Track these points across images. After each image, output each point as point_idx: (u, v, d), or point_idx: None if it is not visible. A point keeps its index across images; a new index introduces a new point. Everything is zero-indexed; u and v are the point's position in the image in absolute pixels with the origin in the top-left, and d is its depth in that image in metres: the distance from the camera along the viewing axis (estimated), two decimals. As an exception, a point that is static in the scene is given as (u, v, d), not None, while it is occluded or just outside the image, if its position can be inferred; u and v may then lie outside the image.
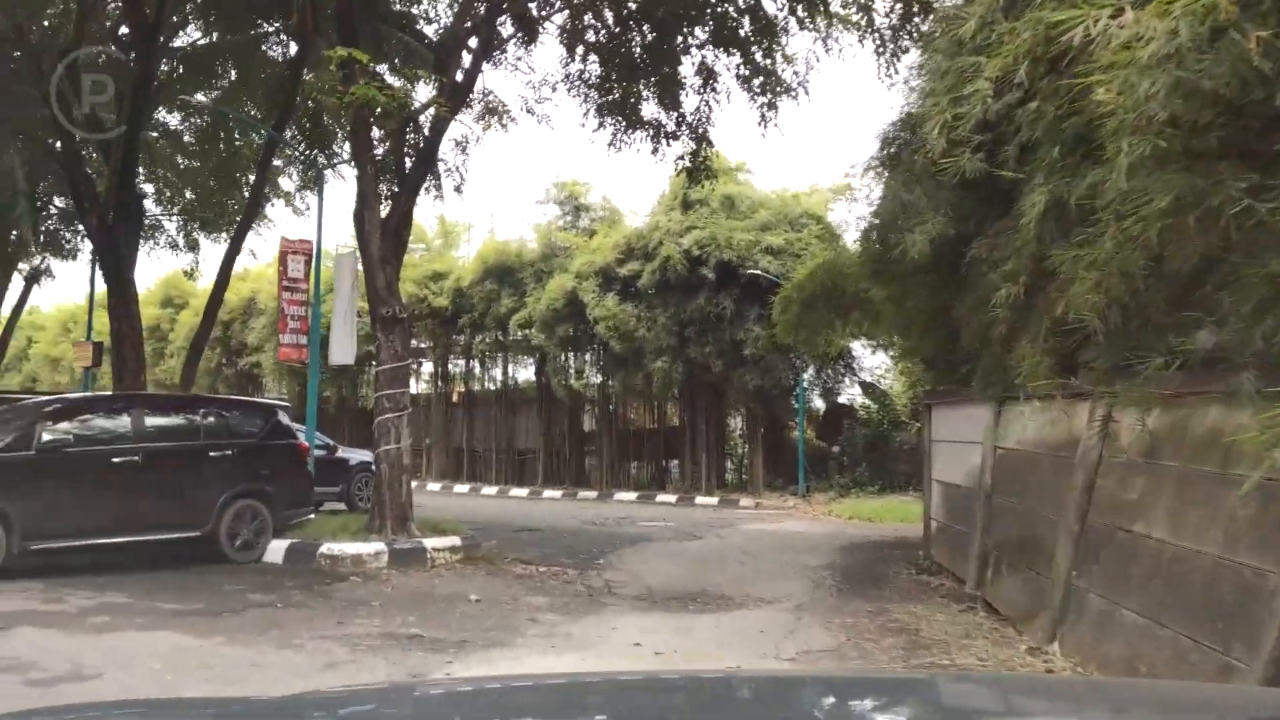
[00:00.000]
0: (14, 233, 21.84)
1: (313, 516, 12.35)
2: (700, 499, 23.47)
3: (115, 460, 10.43)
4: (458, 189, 17.37)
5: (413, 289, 26.60)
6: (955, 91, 7.12)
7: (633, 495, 24.76)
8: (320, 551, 11.10)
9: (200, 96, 19.55)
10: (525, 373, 29.70)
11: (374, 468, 12.62)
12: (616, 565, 12.31)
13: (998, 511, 9.13)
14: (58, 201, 23.77)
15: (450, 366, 30.95)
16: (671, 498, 23.99)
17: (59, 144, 16.01)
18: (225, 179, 20.70)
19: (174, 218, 23.73)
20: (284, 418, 12.21)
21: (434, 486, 27.75)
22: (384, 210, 12.79)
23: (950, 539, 11.16)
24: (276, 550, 11.48)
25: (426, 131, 13.66)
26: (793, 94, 14.72)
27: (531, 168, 65.07)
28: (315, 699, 2.26)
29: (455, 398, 30.89)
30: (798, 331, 17.24)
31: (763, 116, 15.16)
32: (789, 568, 12.14)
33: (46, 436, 10.02)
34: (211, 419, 11.53)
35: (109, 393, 13.50)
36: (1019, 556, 8.32)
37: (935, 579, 10.81)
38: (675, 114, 15.76)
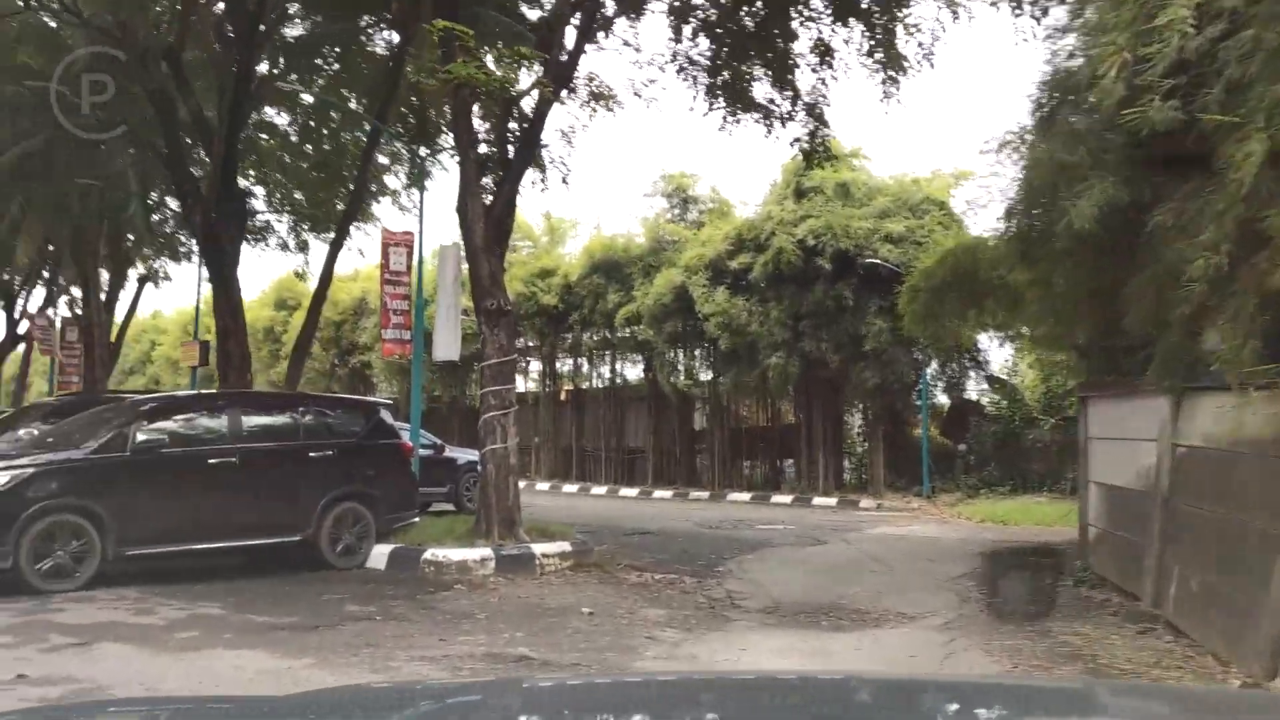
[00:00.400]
0: (129, 237, 22.04)
1: (417, 520, 11.75)
2: (817, 500, 22.43)
3: (212, 461, 9.98)
4: (564, 180, 16.75)
5: (520, 287, 26.14)
6: (1138, 26, 6.05)
7: (746, 496, 23.86)
8: (424, 558, 10.48)
9: (302, 95, 19.39)
10: (634, 370, 29.08)
11: (480, 468, 12.00)
12: (737, 573, 11.45)
13: (1182, 519, 7.96)
14: (172, 204, 24.02)
15: (558, 365, 30.49)
16: (787, 498, 23.00)
17: (164, 142, 15.82)
18: (330, 175, 20.52)
19: (284, 219, 23.73)
20: (386, 416, 11.65)
21: (542, 486, 27.27)
22: (487, 200, 12.17)
23: (1115, 548, 9.97)
24: (379, 556, 10.91)
25: (530, 116, 12.97)
26: (917, 67, 13.65)
27: (637, 162, 64.56)
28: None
29: (563, 396, 30.40)
30: (926, 323, 16.12)
31: (885, 93, 14.14)
32: (927, 577, 11.11)
33: (141, 437, 9.59)
34: (311, 418, 11.02)
35: (205, 391, 13.15)
36: (1217, 573, 7.17)
37: (1099, 593, 9.65)
38: (789, 93, 14.83)
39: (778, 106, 14.94)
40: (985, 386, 24.69)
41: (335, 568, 10.59)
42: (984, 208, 20.12)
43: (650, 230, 26.88)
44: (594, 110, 15.51)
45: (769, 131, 15.13)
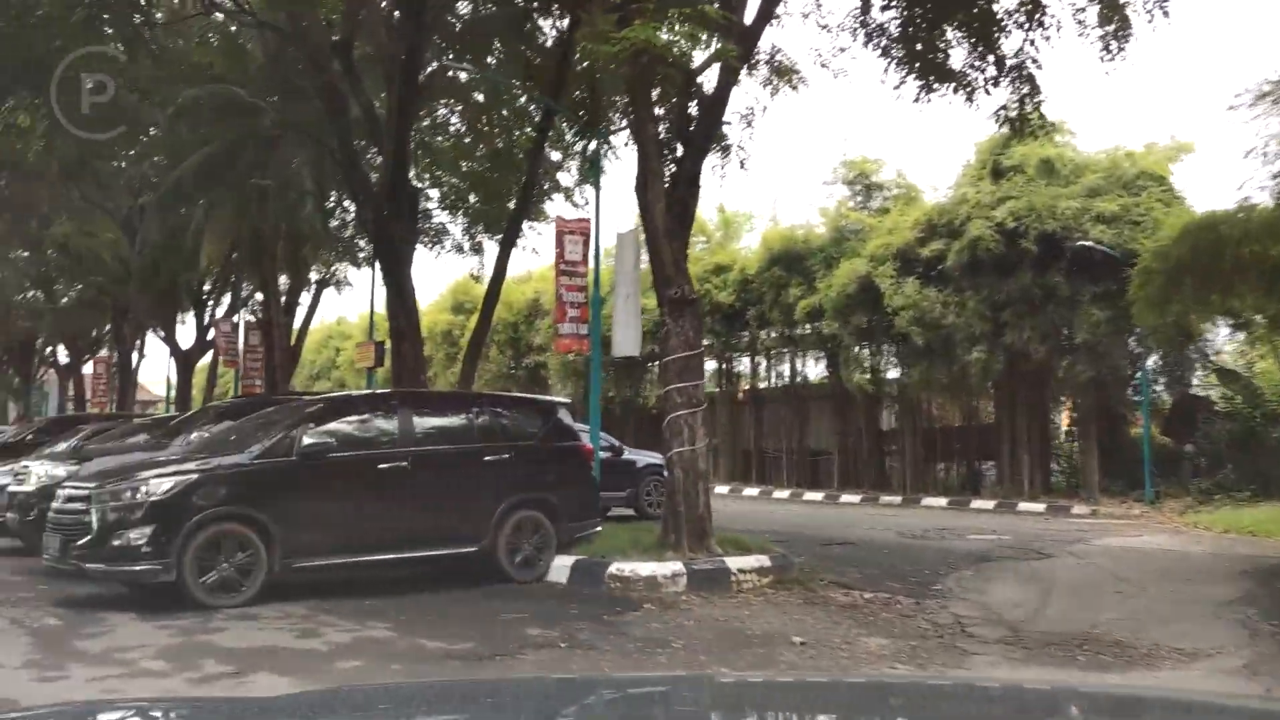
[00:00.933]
0: (306, 239, 22.11)
1: (600, 529, 10.80)
2: (1023, 505, 20.55)
3: (382, 467, 9.26)
4: (742, 165, 15.64)
5: (695, 284, 25.11)
6: None
7: (942, 501, 22.15)
8: (609, 572, 9.49)
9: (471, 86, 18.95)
10: (815, 368, 27.70)
11: (665, 472, 10.98)
12: (959, 592, 10.04)
13: None
14: (350, 209, 24.09)
15: (734, 364, 29.39)
16: (988, 504, 21.19)
17: (336, 140, 15.50)
18: (501, 174, 20.05)
19: (458, 221, 23.54)
20: (565, 416, 10.76)
21: (722, 489, 26.10)
22: (667, 182, 11.14)
23: None
24: (561, 568, 10.00)
25: (709, 97, 11.89)
26: (1147, 16, 11.88)
27: (812, 149, 62.69)
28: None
29: (741, 396, 29.27)
30: (1159, 309, 14.28)
31: (1106, 47, 12.43)
32: (1191, 603, 9.46)
33: (308, 441, 8.94)
34: (486, 419, 10.20)
35: (374, 390, 12.57)
36: None
37: None
38: (992, 58, 13.28)
39: (980, 72, 13.43)
40: (1212, 380, 22.24)
41: (514, 581, 9.74)
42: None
43: (831, 219, 25.53)
44: (775, 88, 14.41)
45: (969, 101, 13.63)
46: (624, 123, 15.80)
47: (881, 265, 22.58)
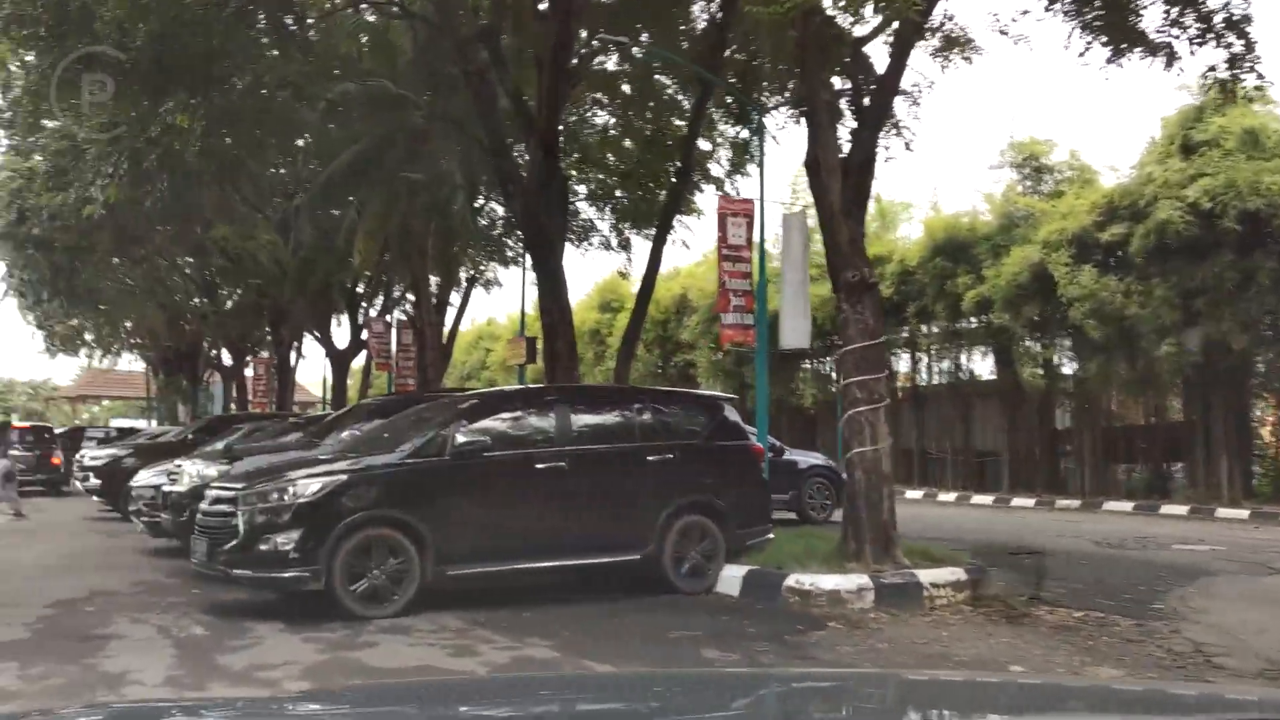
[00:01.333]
0: (456, 235, 21.87)
1: (771, 536, 9.89)
2: (1223, 511, 18.70)
3: (539, 467, 8.59)
4: (908, 146, 14.53)
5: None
6: None
7: (1127, 505, 20.43)
8: (787, 584, 8.59)
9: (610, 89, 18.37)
10: (981, 364, 26.15)
11: (844, 475, 10.05)
12: (1184, 613, 8.76)
13: None
14: (498, 209, 23.84)
15: (893, 360, 28.02)
16: (1180, 509, 19.38)
17: (485, 131, 15.03)
18: (650, 161, 19.41)
19: (605, 216, 23.04)
20: (731, 413, 9.89)
21: (883, 492, 24.87)
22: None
23: None
24: (731, 579, 9.15)
25: (889, 54, 10.87)
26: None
27: (976, 134, 60.02)
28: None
29: (900, 394, 27.87)
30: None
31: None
32: None
33: (461, 439, 8.32)
34: (648, 416, 9.42)
35: (529, 386, 11.94)
36: None
37: None
38: (1193, 12, 11.83)
39: (1182, 29, 12.01)
40: None
41: (680, 592, 8.95)
42: None
43: (998, 205, 24.05)
44: (946, 60, 13.29)
45: (1168, 65, 12.22)
46: (782, 102, 14.91)
47: (1055, 252, 21.04)
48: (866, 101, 10.46)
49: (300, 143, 20.95)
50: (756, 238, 11.83)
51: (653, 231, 22.96)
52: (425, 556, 7.92)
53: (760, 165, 12.12)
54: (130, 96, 15.40)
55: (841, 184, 9.69)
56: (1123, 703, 2.37)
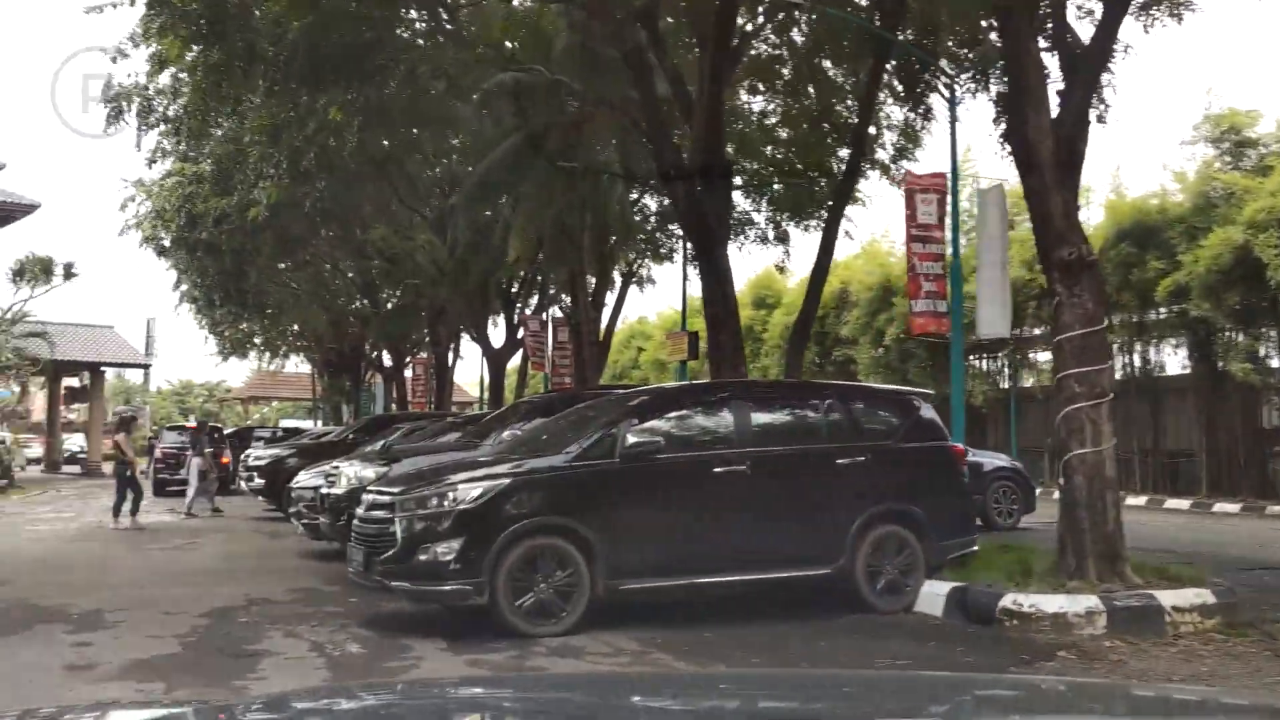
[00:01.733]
0: (614, 233, 21.30)
1: (976, 548, 8.79)
2: None
3: (718, 470, 7.75)
4: (1100, 119, 13.13)
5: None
6: None
7: (1350, 511, 18.36)
8: (1002, 605, 7.50)
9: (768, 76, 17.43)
10: (1172, 357, 24.10)
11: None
12: None
13: None
14: (650, 204, 23.20)
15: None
16: None
17: (642, 115, 14.31)
18: (812, 149, 18.40)
19: (761, 209, 22.14)
20: (928, 411, 8.83)
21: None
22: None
23: None
24: (932, 597, 8.12)
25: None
26: None
27: (1163, 106, 56.08)
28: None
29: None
30: None
31: None
32: None
33: (632, 439, 7.54)
34: (837, 414, 8.45)
35: (704, 381, 11.09)
36: None
37: None
38: None
39: None
40: None
41: (875, 610, 7.97)
42: None
43: (1192, 184, 22.03)
44: (1151, 20, 11.92)
45: None
46: (967, 68, 13.68)
47: (1263, 234, 19.04)
48: (1079, 53, 9.25)
49: (455, 141, 20.83)
50: (951, 213, 10.67)
51: (812, 223, 22.08)
52: (595, 569, 7.18)
53: (952, 132, 10.93)
54: (288, 94, 15.35)
55: (1053, 147, 8.55)
56: (1125, 703, 2.35)
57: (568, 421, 8.62)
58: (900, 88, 15.99)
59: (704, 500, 7.73)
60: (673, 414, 8.12)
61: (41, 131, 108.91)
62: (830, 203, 15.12)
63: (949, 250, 10.62)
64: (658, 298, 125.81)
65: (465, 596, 7.02)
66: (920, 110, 14.64)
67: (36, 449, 41.94)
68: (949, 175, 10.62)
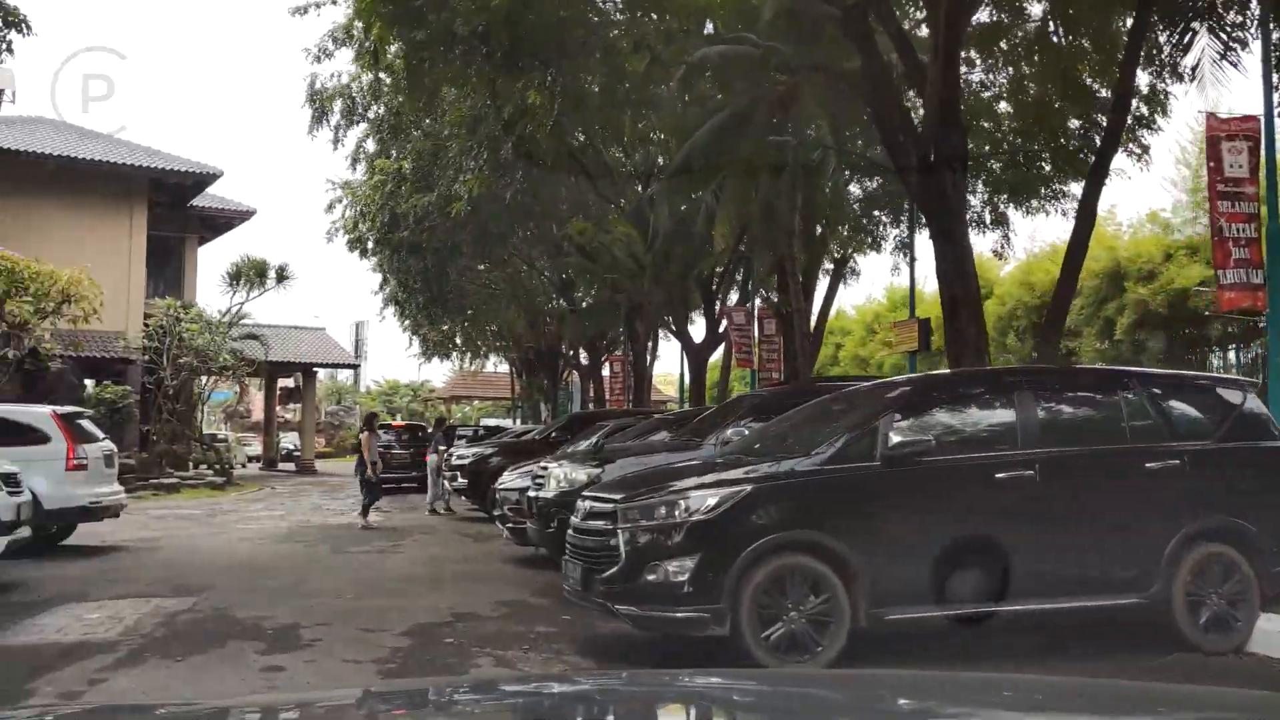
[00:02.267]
0: (825, 216, 19.93)
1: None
2: None
3: (1000, 476, 6.40)
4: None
5: None
6: None
7: None
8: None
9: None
10: None
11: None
12: None
13: None
14: (854, 190, 21.73)
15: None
16: None
17: (866, 82, 12.94)
18: (1044, 121, 16.61)
19: (978, 191, 20.43)
20: (1254, 404, 7.20)
21: None
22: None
23: None
24: (1270, 635, 6.53)
25: None
26: None
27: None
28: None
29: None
30: None
31: None
32: None
33: (895, 439, 6.30)
34: (1142, 407, 6.95)
35: (981, 369, 9.64)
36: None
37: None
38: None
39: None
40: None
41: (1196, 649, 6.45)
42: None
43: None
44: None
45: None
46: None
47: None
48: None
49: (653, 131, 19.96)
50: (1264, 164, 8.87)
51: (1033, 204, 20.21)
52: (855, 594, 5.97)
53: (1267, 71, 9.00)
54: (485, 78, 14.80)
55: None
56: (1122, 702, 2.29)
57: (809, 417, 7.42)
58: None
59: (985, 511, 6.40)
60: (943, 408, 6.81)
61: (254, 137, 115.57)
62: (1088, 170, 13.30)
63: (1264, 209, 8.82)
64: (856, 290, 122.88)
65: (703, 626, 5.93)
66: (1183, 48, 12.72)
67: (255, 447, 43.96)
68: (1261, 119, 8.82)
